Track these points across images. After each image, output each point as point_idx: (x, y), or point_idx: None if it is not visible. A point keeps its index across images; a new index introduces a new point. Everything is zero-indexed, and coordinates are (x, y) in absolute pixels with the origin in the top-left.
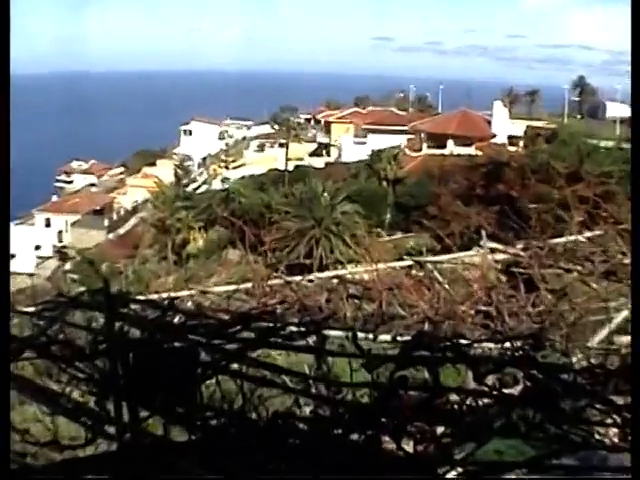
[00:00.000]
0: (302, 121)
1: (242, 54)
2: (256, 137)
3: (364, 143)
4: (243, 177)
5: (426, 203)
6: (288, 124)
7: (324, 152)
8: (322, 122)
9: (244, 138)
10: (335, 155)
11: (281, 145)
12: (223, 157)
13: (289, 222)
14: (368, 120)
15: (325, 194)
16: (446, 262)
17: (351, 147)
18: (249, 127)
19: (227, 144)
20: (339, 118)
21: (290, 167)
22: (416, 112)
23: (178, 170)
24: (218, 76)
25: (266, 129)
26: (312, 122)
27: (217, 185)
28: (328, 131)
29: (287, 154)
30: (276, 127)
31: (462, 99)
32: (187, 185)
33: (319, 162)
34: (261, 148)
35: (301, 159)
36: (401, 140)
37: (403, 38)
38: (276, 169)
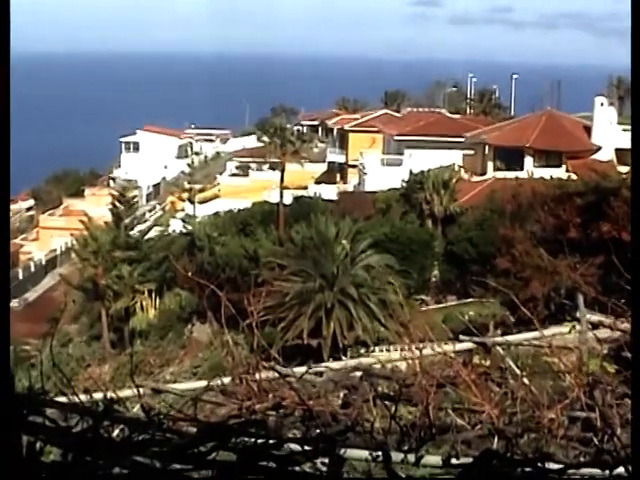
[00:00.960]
0: (305, 130)
1: (208, 30)
2: (235, 154)
3: (399, 163)
4: (216, 214)
5: (493, 253)
6: (283, 135)
7: (338, 177)
8: (335, 131)
9: (217, 155)
10: (354, 181)
11: (273, 167)
12: (185, 184)
13: (286, 282)
14: (404, 128)
15: (341, 240)
16: (524, 343)
17: (379, 169)
18: (225, 140)
19: (191, 164)
20: (360, 125)
21: (287, 199)
22: (477, 115)
23: (117, 204)
24: (175, 61)
25: (250, 142)
26: (320, 131)
27: (176, 226)
28: (344, 145)
29: (282, 180)
30: (265, 139)
31: (546, 94)
32: (131, 227)
33: (331, 192)
34: (243, 171)
35: (304, 187)
36: (455, 158)
37: (457, 2)
38: (266, 202)
